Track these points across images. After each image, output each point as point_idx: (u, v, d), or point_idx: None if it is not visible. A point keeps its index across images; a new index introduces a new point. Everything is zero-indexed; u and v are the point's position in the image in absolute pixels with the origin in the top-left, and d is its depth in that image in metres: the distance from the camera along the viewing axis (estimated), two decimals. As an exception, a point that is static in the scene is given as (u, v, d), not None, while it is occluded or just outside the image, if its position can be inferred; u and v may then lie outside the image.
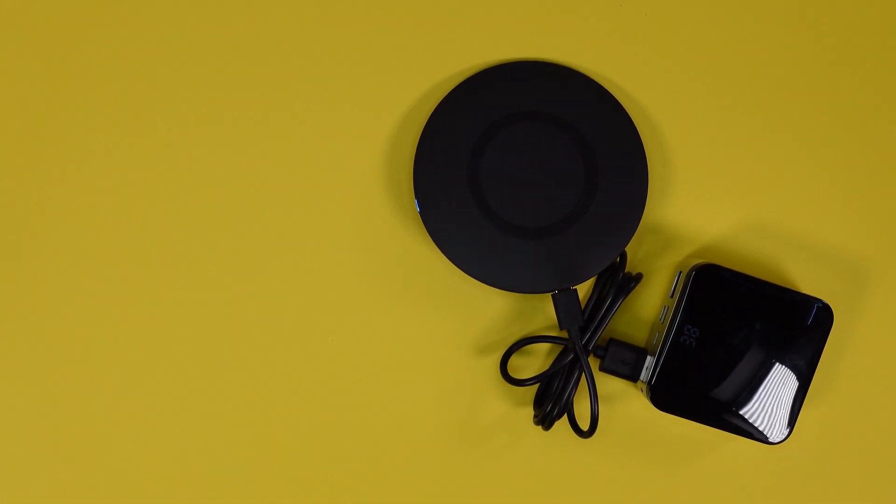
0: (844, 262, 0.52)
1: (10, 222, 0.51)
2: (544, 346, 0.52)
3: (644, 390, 0.50)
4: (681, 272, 0.50)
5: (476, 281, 0.50)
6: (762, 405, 0.49)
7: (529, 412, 0.52)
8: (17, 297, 0.51)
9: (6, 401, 0.51)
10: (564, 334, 0.51)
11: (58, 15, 0.50)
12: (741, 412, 0.49)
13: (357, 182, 0.51)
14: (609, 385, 0.52)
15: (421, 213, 0.49)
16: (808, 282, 0.51)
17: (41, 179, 0.51)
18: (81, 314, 0.51)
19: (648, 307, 0.52)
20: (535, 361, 0.52)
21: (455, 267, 0.49)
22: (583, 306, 0.50)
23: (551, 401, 0.49)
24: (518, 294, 0.51)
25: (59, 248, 0.51)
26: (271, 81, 0.51)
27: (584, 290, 0.51)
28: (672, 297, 0.50)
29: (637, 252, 0.51)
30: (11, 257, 0.51)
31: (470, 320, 0.51)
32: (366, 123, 0.51)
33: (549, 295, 0.50)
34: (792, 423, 0.49)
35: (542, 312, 0.51)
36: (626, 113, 0.50)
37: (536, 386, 0.51)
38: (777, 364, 0.49)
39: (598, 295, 0.50)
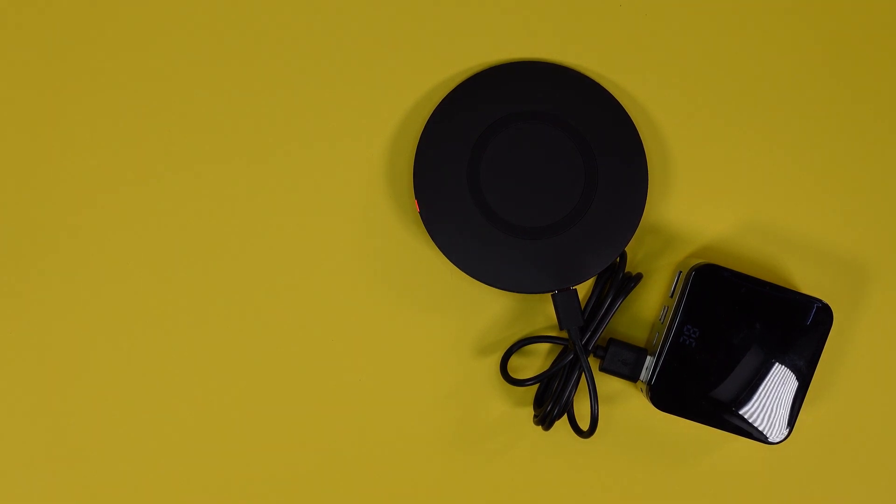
0: (844, 262, 0.52)
1: (10, 225, 0.51)
2: (544, 346, 0.52)
3: (644, 390, 0.50)
4: (681, 272, 0.50)
5: (476, 281, 0.50)
6: (762, 405, 0.49)
7: (529, 412, 0.52)
8: (18, 298, 0.51)
9: (6, 401, 0.51)
10: (564, 334, 0.51)
11: (54, 12, 0.50)
12: (741, 412, 0.49)
13: (357, 182, 0.51)
14: (609, 385, 0.52)
15: (421, 213, 0.49)
16: (808, 282, 0.51)
17: (41, 180, 0.51)
18: (82, 312, 0.51)
19: (648, 307, 0.52)
20: (535, 361, 0.52)
21: (455, 267, 0.49)
22: (583, 306, 0.50)
23: (551, 401, 0.49)
24: (518, 294, 0.51)
25: (59, 248, 0.51)
26: (272, 81, 0.50)
27: (584, 290, 0.51)
28: (672, 297, 0.50)
29: (637, 252, 0.51)
30: (11, 260, 0.51)
31: (470, 320, 0.51)
32: (366, 124, 0.51)
33: (549, 295, 0.50)
34: (792, 423, 0.49)
35: (542, 312, 0.51)
36: (626, 113, 0.50)
37: (536, 386, 0.51)
38: (777, 364, 0.49)
39: (598, 295, 0.50)
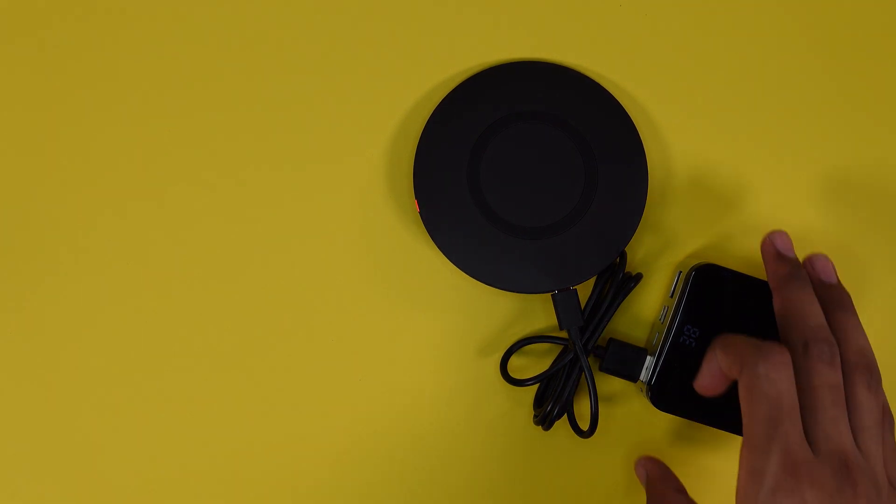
0: (844, 262, 0.52)
1: (9, 225, 0.51)
2: (544, 346, 0.52)
3: (644, 390, 0.50)
4: (680, 272, 0.50)
5: (476, 281, 0.50)
6: (762, 405, 0.49)
7: (529, 412, 0.52)
8: (17, 298, 0.51)
9: (8, 403, 0.51)
10: (564, 334, 0.51)
11: (60, 18, 0.50)
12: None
13: (357, 183, 0.51)
14: (609, 385, 0.52)
15: (421, 213, 0.49)
16: (807, 282, 0.51)
17: (40, 180, 0.51)
18: (82, 311, 0.51)
19: (648, 307, 0.52)
20: (535, 361, 0.52)
21: (455, 267, 0.49)
22: (583, 306, 0.50)
23: (551, 401, 0.49)
24: (518, 294, 0.51)
25: (57, 246, 0.51)
26: (272, 82, 0.51)
27: (584, 290, 0.51)
28: (672, 297, 0.50)
29: (637, 252, 0.51)
30: (17, 262, 0.51)
31: (470, 320, 0.51)
32: (366, 124, 0.51)
33: (549, 295, 0.50)
34: (792, 423, 0.49)
35: (542, 312, 0.51)
36: (626, 113, 0.50)
37: (536, 386, 0.51)
38: (777, 364, 0.49)
39: (597, 295, 0.50)
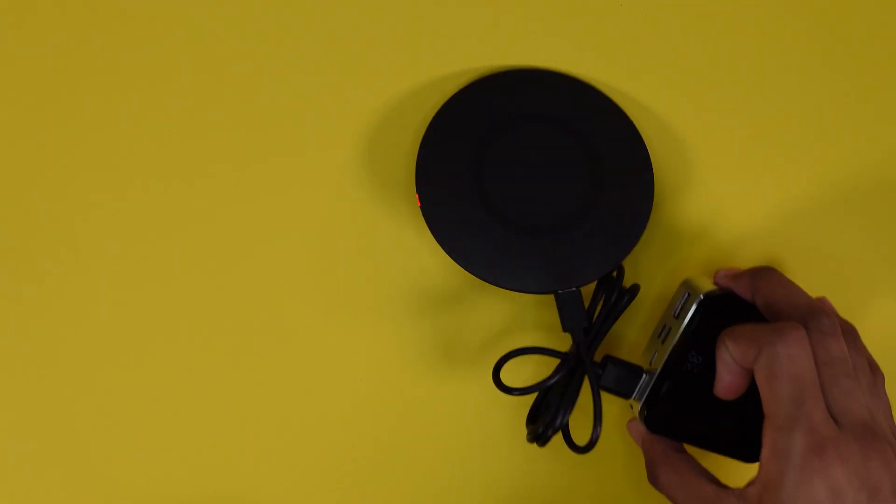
0: (847, 262, 0.51)
1: (6, 224, 0.49)
2: (538, 359, 0.51)
3: (638, 410, 0.48)
4: (688, 294, 0.47)
5: (475, 283, 0.50)
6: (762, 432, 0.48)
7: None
8: (16, 298, 0.50)
9: (7, 405, 0.51)
10: (561, 346, 0.50)
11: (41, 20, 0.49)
12: (739, 436, 0.47)
13: (357, 181, 0.50)
14: (606, 396, 0.52)
15: (423, 209, 0.47)
16: (808, 283, 0.51)
17: (36, 179, 0.49)
18: (73, 316, 0.50)
19: (648, 312, 0.51)
20: (534, 366, 0.51)
21: (455, 267, 0.49)
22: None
23: (542, 424, 0.48)
24: (518, 296, 0.51)
25: (50, 247, 0.50)
26: (272, 79, 0.49)
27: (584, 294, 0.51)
28: (676, 318, 0.47)
29: (639, 256, 0.51)
30: (8, 260, 0.50)
31: (470, 321, 0.51)
32: (368, 124, 0.50)
33: (552, 296, 0.50)
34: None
35: (542, 314, 0.51)
36: (628, 117, 0.49)
37: (534, 395, 0.50)
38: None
39: (595, 307, 0.48)
